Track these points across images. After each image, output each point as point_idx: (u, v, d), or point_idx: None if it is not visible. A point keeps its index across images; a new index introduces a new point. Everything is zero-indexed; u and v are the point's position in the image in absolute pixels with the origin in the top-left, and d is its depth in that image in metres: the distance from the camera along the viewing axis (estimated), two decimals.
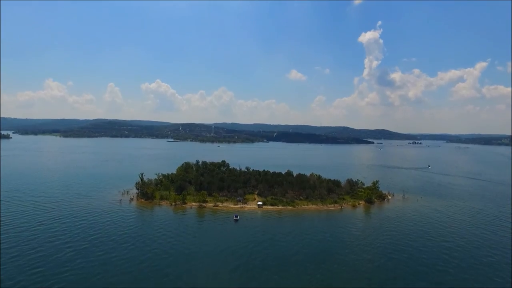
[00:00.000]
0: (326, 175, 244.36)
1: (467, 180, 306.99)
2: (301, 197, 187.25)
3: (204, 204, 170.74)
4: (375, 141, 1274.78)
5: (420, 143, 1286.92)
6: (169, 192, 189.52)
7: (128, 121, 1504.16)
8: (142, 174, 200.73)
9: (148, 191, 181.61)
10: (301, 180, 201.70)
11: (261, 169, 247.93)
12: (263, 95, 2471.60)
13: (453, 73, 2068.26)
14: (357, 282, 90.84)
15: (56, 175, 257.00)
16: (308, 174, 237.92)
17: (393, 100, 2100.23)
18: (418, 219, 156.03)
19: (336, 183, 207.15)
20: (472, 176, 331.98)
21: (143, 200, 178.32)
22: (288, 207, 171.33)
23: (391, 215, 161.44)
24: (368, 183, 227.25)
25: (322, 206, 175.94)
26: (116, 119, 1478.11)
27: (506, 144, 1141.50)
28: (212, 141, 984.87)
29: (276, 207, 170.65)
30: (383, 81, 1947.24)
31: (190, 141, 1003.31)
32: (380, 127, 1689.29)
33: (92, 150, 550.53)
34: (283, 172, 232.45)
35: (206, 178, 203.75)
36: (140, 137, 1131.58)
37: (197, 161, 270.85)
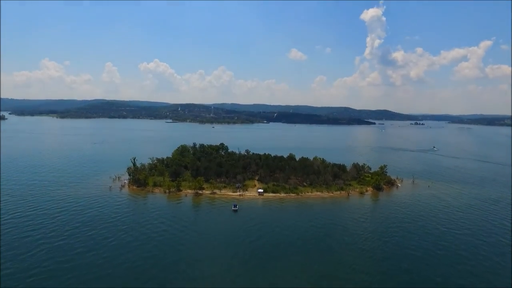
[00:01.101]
0: (329, 158, 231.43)
1: (475, 162, 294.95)
2: (304, 183, 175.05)
3: (200, 192, 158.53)
4: (376, 121, 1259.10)
5: (422, 124, 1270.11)
6: (164, 178, 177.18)
7: (127, 101, 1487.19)
8: (134, 159, 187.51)
9: (140, 177, 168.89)
10: (305, 165, 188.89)
11: (261, 152, 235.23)
12: (263, 75, 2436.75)
13: (457, 52, 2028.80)
14: (368, 278, 79.39)
15: (45, 159, 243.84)
16: (310, 157, 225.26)
17: (395, 80, 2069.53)
18: (432, 208, 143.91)
19: (342, 168, 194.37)
20: (479, 159, 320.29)
21: (135, 187, 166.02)
22: (291, 194, 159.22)
23: (401, 203, 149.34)
24: (373, 167, 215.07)
25: (327, 193, 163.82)
26: (115, 100, 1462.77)
27: (509, 125, 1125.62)
28: (212, 122, 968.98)
29: (278, 194, 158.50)
30: (385, 60, 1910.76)
31: (189, 122, 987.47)
32: (381, 108, 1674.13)
33: (87, 131, 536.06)
34: (284, 156, 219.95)
35: (203, 162, 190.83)
36: (139, 118, 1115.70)
37: (194, 144, 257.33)
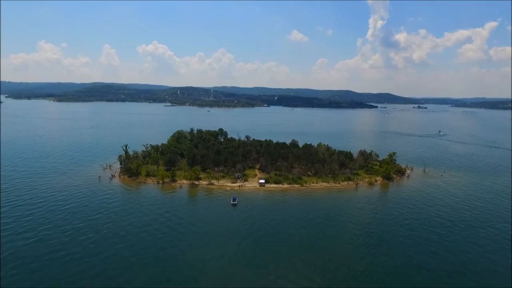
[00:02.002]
0: (332, 144, 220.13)
1: (485, 148, 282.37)
2: (309, 173, 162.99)
3: (197, 182, 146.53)
4: (378, 105, 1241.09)
5: (425, 108, 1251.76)
6: (158, 167, 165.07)
7: (126, 84, 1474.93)
8: (126, 146, 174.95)
9: (132, 166, 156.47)
10: (309, 153, 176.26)
11: (262, 138, 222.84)
12: (263, 57, 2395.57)
13: (461, 34, 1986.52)
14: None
15: (34, 145, 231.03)
16: (313, 143, 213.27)
17: (397, 63, 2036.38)
18: (449, 200, 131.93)
19: (349, 155, 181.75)
20: (488, 144, 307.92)
21: (126, 177, 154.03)
22: (295, 185, 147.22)
23: (415, 196, 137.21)
24: (380, 153, 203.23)
25: (334, 183, 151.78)
26: (113, 83, 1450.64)
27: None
28: (211, 106, 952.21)
29: (280, 185, 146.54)
30: (387, 42, 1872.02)
31: (188, 105, 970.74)
32: (383, 91, 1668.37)
33: (83, 115, 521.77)
34: (287, 142, 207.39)
35: (200, 150, 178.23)
36: (137, 101, 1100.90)
37: (192, 129, 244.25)
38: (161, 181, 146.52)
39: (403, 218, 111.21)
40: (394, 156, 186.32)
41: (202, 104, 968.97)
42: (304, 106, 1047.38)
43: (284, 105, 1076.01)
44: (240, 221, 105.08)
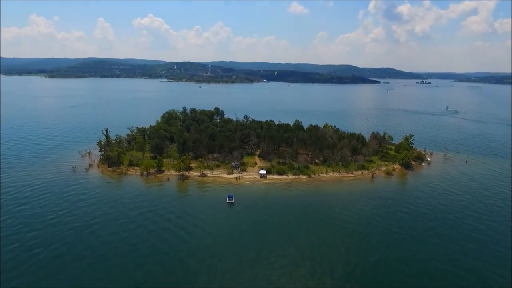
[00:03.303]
0: (337, 124, 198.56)
1: (504, 128, 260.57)
2: (316, 160, 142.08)
3: (187, 173, 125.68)
4: (381, 80, 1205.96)
5: (429, 83, 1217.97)
6: (143, 154, 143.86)
7: (121, 60, 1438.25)
8: (106, 130, 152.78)
9: (111, 154, 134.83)
10: (316, 137, 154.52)
11: (262, 117, 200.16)
12: (262, 31, 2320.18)
13: (466, 5, 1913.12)
14: None
15: (8, 127, 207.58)
16: (316, 122, 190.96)
17: (399, 36, 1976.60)
18: (487, 195, 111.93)
19: (361, 139, 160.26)
20: (505, 122, 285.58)
21: (106, 167, 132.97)
22: (301, 176, 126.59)
23: (443, 188, 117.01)
24: (391, 134, 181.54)
25: (346, 174, 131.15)
26: (108, 58, 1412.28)
27: None
28: (209, 82, 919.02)
29: (284, 176, 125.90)
30: (390, 14, 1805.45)
31: (185, 81, 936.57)
32: (384, 65, 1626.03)
33: (72, 92, 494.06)
34: (288, 122, 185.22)
35: (192, 134, 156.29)
36: (133, 77, 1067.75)
37: (184, 109, 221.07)
38: (145, 172, 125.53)
39: (443, 230, 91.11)
40: (411, 139, 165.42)
41: (199, 80, 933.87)
42: (305, 82, 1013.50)
43: (284, 81, 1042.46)
44: (236, 230, 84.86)
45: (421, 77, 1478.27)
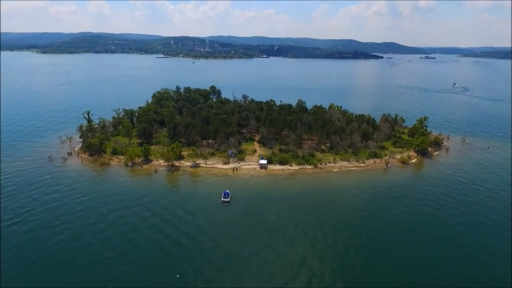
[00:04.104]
0: (343, 103, 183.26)
1: None
2: (323, 147, 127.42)
3: (177, 163, 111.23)
4: (384, 55, 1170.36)
5: (433, 58, 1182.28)
6: (129, 140, 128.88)
7: (116, 34, 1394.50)
8: (88, 113, 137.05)
9: (93, 142, 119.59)
10: (323, 121, 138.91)
11: (261, 97, 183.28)
12: (262, 4, 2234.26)
13: None
14: None
15: None
16: (322, 103, 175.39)
17: (402, 9, 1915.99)
18: None
19: (372, 123, 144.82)
20: None
21: (87, 156, 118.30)
22: (307, 166, 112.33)
23: (467, 179, 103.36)
24: (402, 115, 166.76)
25: (356, 163, 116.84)
26: (103, 33, 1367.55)
27: None
28: (207, 57, 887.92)
29: (288, 167, 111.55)
30: None
31: (182, 57, 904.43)
32: (387, 40, 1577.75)
33: (62, 69, 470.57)
34: (289, 101, 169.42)
35: (184, 117, 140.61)
36: (128, 52, 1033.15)
37: (177, 88, 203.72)
38: (130, 162, 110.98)
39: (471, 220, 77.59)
40: (425, 122, 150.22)
41: (196, 56, 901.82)
42: (306, 57, 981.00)
43: (284, 56, 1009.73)
44: (232, 238, 71.34)
45: (425, 52, 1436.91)
